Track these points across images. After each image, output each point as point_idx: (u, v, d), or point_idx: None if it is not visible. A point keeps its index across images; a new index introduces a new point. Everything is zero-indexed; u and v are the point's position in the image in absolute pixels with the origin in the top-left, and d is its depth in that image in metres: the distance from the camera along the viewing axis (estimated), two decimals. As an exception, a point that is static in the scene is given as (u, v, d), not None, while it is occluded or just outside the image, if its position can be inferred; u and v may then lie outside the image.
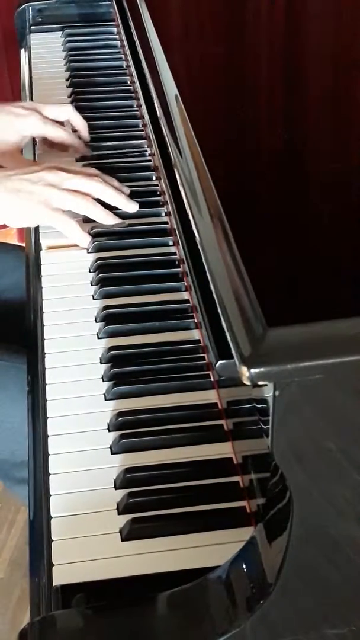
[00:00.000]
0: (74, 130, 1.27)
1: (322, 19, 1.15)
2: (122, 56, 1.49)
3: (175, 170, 0.91)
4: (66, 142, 1.25)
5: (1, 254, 1.34)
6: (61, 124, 1.25)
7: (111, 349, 0.94)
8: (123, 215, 1.10)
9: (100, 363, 0.93)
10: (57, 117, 1.24)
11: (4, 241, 1.44)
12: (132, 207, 1.10)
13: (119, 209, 1.10)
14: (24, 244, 1.20)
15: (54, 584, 0.74)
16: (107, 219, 1.09)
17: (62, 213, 1.06)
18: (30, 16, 1.66)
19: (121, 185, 1.12)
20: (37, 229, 1.15)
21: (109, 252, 1.08)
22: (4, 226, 2.34)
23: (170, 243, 1.08)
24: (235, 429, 0.84)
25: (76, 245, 1.09)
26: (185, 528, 0.77)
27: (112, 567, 0.75)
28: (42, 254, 1.10)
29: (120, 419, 0.87)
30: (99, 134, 1.31)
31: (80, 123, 1.27)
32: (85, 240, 1.08)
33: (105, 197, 1.08)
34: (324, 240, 0.73)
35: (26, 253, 1.16)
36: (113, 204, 1.09)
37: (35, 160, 1.27)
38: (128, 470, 0.81)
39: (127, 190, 1.13)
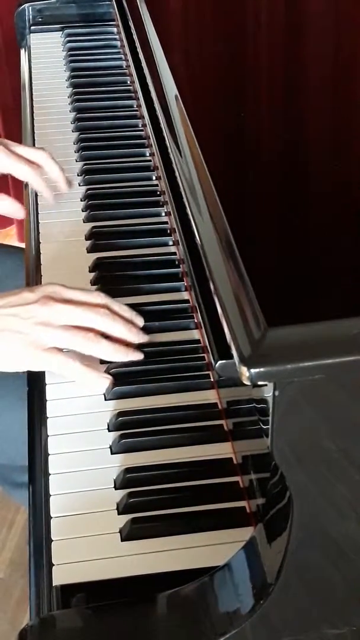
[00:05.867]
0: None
1: (323, 18, 1.15)
2: (122, 56, 1.49)
3: (175, 170, 0.91)
4: (31, 184, 1.14)
5: (1, 257, 1.32)
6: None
7: (111, 349, 0.94)
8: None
9: (100, 363, 0.93)
10: (29, 156, 1.14)
11: (4, 242, 1.44)
12: (142, 339, 0.92)
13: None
14: (24, 245, 1.20)
15: (53, 584, 0.74)
16: (117, 356, 0.90)
17: (58, 353, 0.88)
18: (30, 16, 1.66)
19: (133, 314, 0.93)
20: (37, 229, 1.14)
21: (109, 252, 1.08)
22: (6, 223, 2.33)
23: (170, 243, 1.08)
24: (235, 429, 0.84)
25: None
26: (185, 528, 0.77)
27: (112, 567, 0.75)
28: (42, 253, 1.10)
29: (120, 419, 0.86)
30: (99, 134, 1.31)
31: (55, 171, 1.16)
32: (96, 381, 0.90)
33: (113, 333, 0.90)
34: (324, 240, 0.73)
35: (26, 254, 1.16)
36: (122, 339, 0.91)
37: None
38: (128, 470, 0.81)
39: (141, 321, 0.93)
